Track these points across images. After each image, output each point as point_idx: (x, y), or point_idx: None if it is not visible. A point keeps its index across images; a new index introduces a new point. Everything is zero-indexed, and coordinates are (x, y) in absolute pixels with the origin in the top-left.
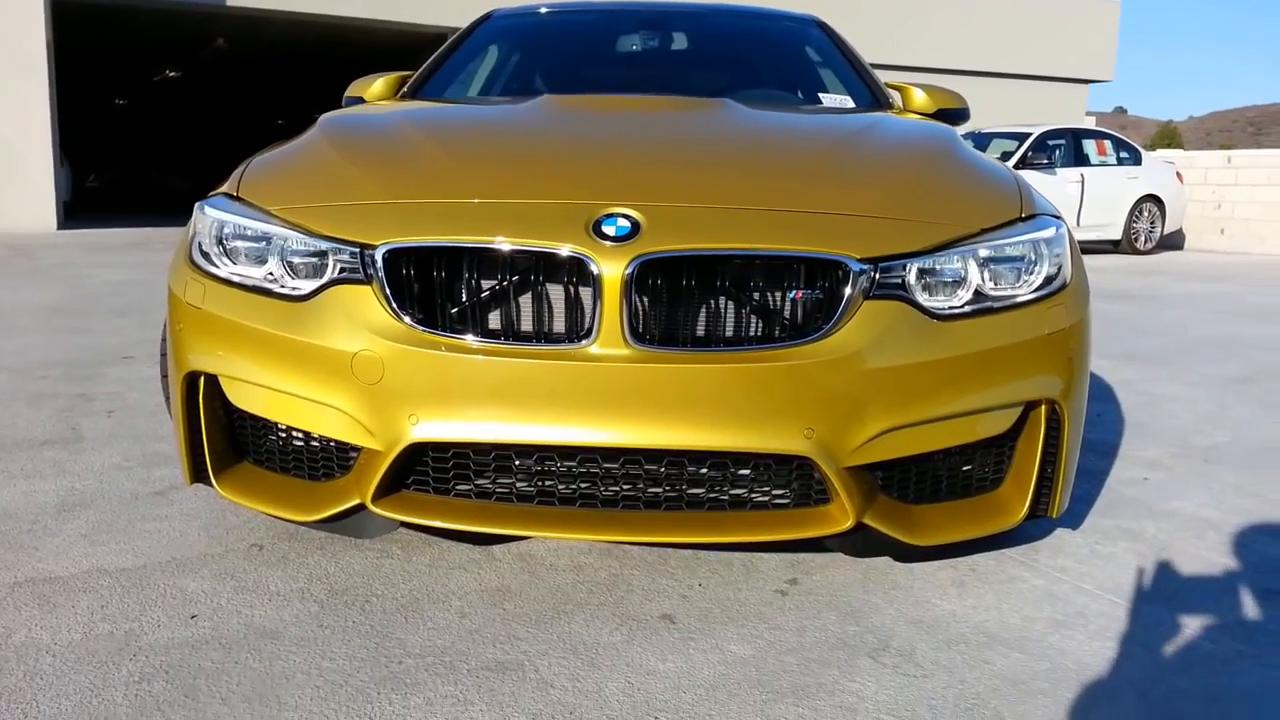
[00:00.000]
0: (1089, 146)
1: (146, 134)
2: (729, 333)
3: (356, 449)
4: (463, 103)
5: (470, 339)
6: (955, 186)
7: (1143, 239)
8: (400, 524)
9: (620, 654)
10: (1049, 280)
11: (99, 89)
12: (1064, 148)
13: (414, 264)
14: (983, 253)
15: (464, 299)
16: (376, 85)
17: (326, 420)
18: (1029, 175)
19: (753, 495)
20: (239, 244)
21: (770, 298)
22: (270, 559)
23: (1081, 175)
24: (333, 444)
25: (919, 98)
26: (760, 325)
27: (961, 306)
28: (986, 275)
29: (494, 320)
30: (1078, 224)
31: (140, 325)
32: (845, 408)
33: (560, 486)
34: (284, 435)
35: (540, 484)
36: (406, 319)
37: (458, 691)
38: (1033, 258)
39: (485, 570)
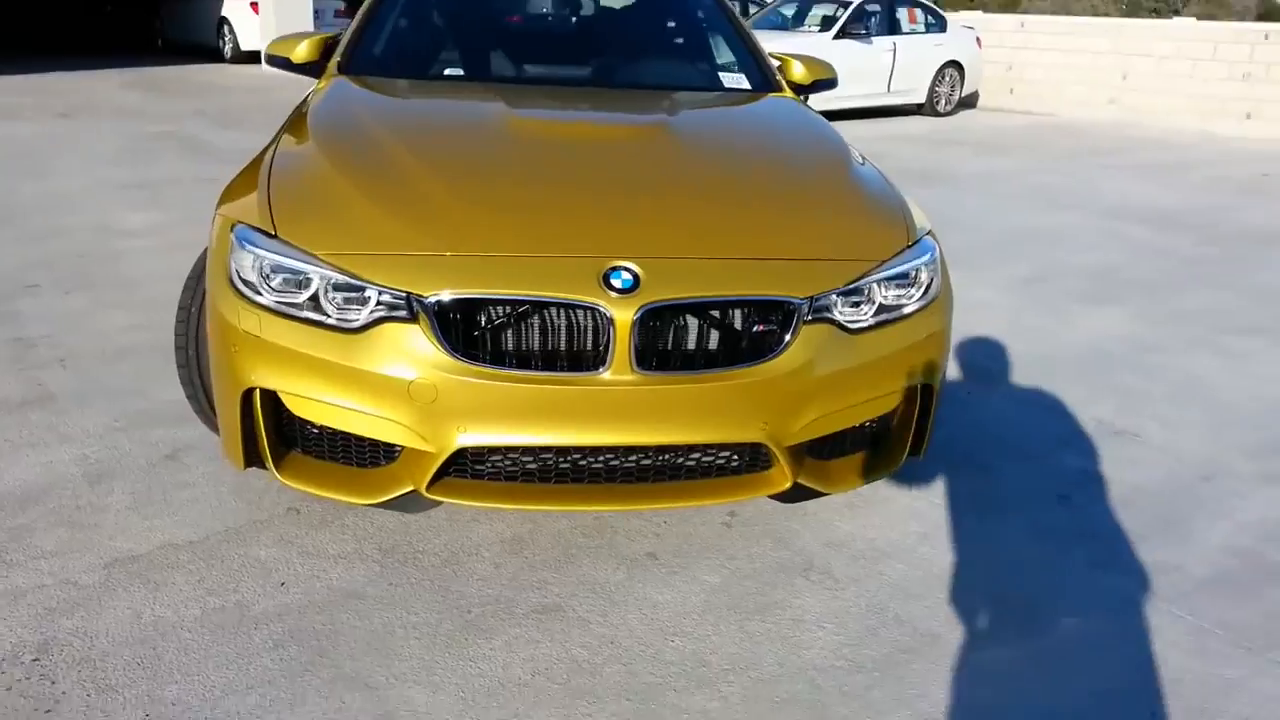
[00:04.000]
0: (901, 14)
1: None
2: (710, 356)
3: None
4: (426, 104)
5: (507, 369)
6: (862, 222)
7: (943, 102)
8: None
9: (628, 590)
10: (926, 291)
11: None
12: (880, 16)
13: (458, 308)
14: (883, 277)
15: (501, 336)
16: (302, 48)
17: (385, 429)
18: (847, 44)
19: (716, 463)
20: (286, 280)
21: (739, 328)
22: (313, 521)
23: (894, 44)
24: (380, 440)
25: (798, 71)
26: (731, 349)
27: (868, 320)
28: (885, 294)
29: (526, 354)
30: (888, 90)
31: (16, 239)
32: (789, 405)
33: (573, 471)
34: (331, 430)
35: (559, 470)
36: (456, 354)
37: (523, 633)
38: (916, 276)
39: (496, 522)
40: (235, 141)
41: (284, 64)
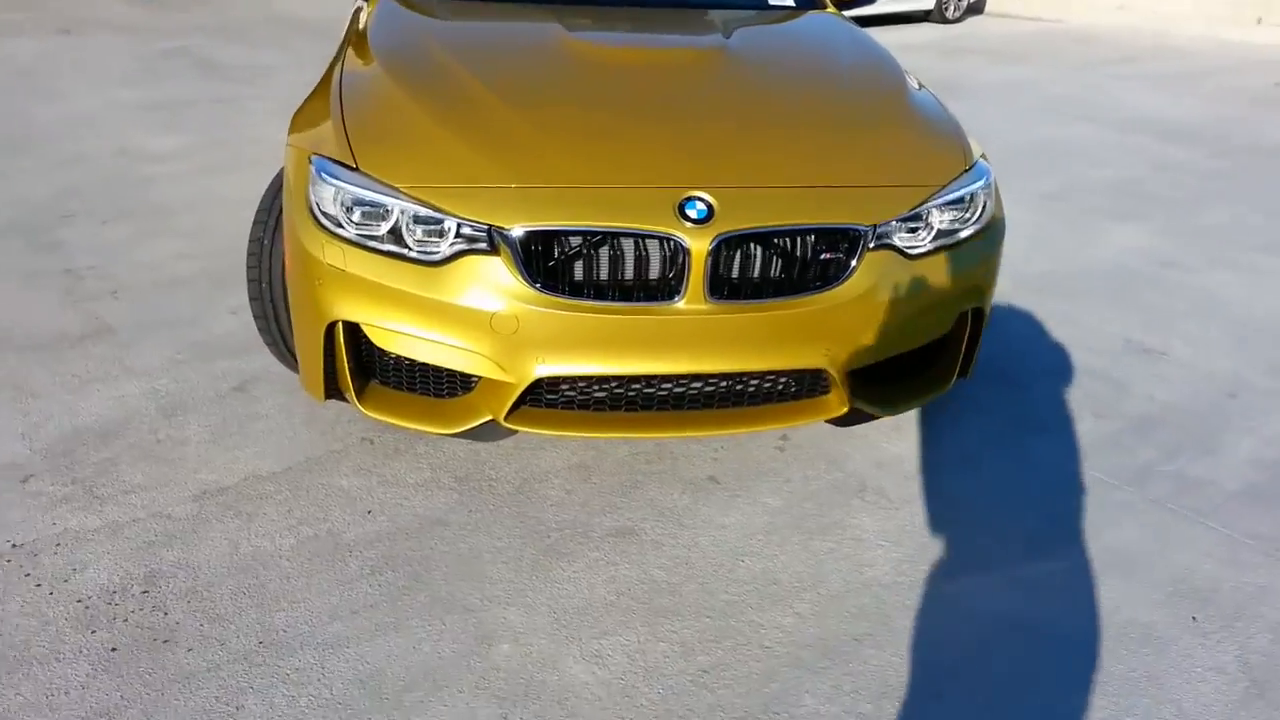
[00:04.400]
0: None
1: None
2: (778, 284)
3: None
4: (484, 26)
5: (586, 300)
6: (922, 148)
7: (952, 8)
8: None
9: (694, 514)
10: (981, 216)
11: None
12: None
13: (538, 240)
14: (942, 203)
15: (579, 267)
16: None
17: (467, 360)
18: None
19: (776, 389)
20: (366, 213)
21: (807, 257)
22: (387, 451)
23: None
24: (459, 371)
25: None
26: (799, 277)
27: (926, 246)
28: (943, 219)
29: (602, 284)
30: None
31: (43, 167)
32: (851, 331)
33: (641, 399)
34: (410, 361)
35: (627, 398)
36: (536, 285)
37: (601, 555)
38: (972, 201)
39: (560, 449)
40: (243, 58)
41: None
